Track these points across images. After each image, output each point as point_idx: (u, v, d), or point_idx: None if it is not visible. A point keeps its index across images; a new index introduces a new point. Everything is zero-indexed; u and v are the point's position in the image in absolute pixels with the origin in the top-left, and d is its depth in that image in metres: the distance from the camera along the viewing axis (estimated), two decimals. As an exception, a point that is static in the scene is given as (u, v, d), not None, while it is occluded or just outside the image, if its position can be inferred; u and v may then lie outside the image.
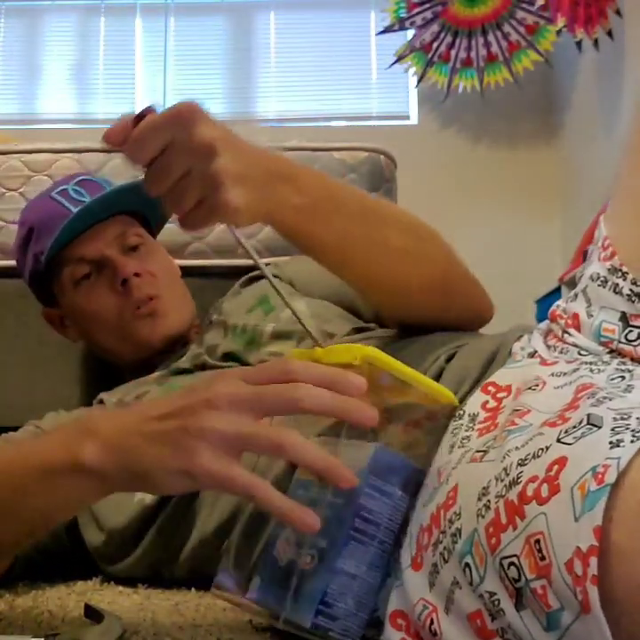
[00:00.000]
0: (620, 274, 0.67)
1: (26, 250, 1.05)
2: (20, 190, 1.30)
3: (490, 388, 0.68)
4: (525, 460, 0.51)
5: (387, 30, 2.85)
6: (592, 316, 0.68)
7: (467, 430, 0.64)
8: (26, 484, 0.57)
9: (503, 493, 0.50)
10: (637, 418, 0.49)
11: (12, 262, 1.12)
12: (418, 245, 0.78)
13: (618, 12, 2.33)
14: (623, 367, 0.62)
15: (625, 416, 0.49)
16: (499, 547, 0.49)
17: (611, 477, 0.43)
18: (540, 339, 0.74)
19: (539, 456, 0.50)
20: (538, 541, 0.46)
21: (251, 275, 1.08)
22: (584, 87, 2.73)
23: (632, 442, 0.45)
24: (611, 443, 0.46)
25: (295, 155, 1.35)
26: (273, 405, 0.53)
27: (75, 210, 0.99)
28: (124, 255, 1.00)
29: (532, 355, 0.72)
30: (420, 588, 0.57)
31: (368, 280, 0.79)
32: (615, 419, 0.49)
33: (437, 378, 0.73)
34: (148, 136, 0.61)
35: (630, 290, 0.65)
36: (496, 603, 0.49)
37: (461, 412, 0.66)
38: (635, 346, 0.65)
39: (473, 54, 2.82)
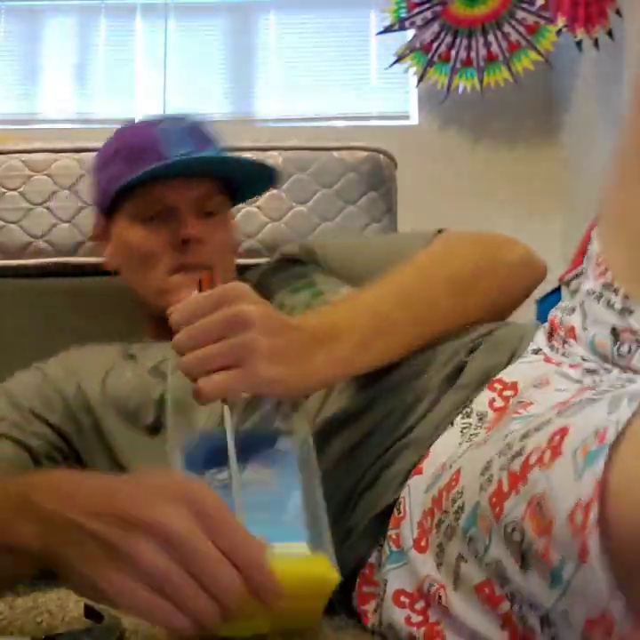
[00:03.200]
0: (612, 289, 0.69)
1: (105, 167, 1.02)
2: (20, 190, 1.30)
3: (496, 384, 0.70)
4: (527, 433, 0.52)
5: (387, 30, 2.85)
6: (586, 329, 0.70)
7: (476, 429, 0.66)
8: None
9: (506, 465, 0.52)
10: (631, 390, 0.52)
11: (13, 262, 1.12)
12: (467, 303, 0.79)
13: (618, 12, 2.33)
14: (624, 375, 0.64)
15: (621, 394, 0.51)
16: (502, 514, 0.50)
17: (610, 437, 0.45)
18: (543, 338, 0.75)
19: (540, 429, 0.52)
20: (539, 503, 0.47)
21: (284, 253, 1.06)
22: (584, 87, 2.73)
23: (629, 404, 0.48)
24: (609, 410, 0.48)
25: (295, 154, 1.35)
26: (203, 563, 0.47)
27: (172, 152, 0.95)
28: (196, 217, 0.96)
29: (537, 352, 0.73)
30: (426, 566, 0.59)
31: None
32: (613, 395, 0.52)
33: (456, 376, 0.73)
34: (191, 320, 0.61)
35: (622, 305, 0.67)
36: (502, 569, 0.50)
37: (469, 410, 0.68)
38: (627, 358, 0.66)
39: (473, 54, 2.81)
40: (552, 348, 0.73)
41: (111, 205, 1.00)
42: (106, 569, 0.47)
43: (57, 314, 1.26)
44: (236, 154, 0.99)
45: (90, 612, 0.62)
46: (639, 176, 0.70)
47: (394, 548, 0.64)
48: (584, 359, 0.69)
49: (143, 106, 3.00)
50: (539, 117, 2.95)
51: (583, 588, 0.45)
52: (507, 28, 2.78)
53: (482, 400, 0.69)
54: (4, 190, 1.29)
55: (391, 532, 0.65)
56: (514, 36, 2.78)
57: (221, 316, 0.60)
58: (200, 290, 0.66)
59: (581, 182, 2.66)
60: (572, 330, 0.72)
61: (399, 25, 2.85)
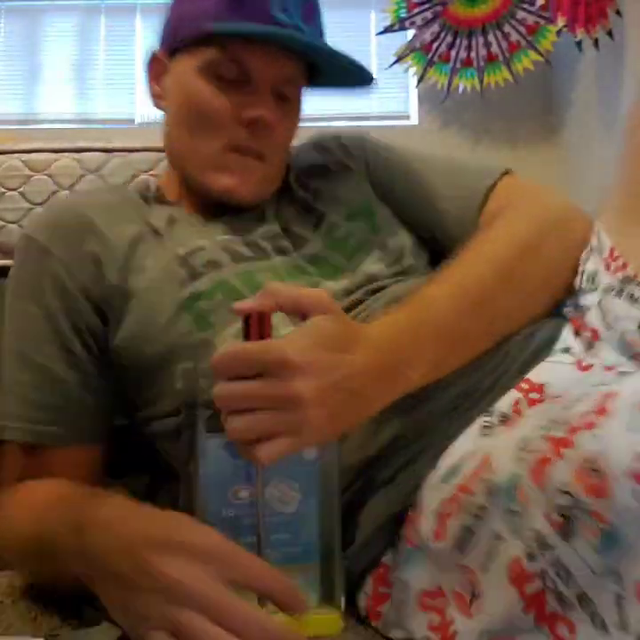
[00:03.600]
0: (636, 283, 0.66)
1: None
2: (20, 190, 1.30)
3: (523, 385, 0.66)
4: (569, 406, 0.50)
5: (387, 30, 2.85)
6: (611, 328, 0.67)
7: (496, 427, 0.64)
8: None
9: (547, 434, 0.49)
10: None
11: (13, 262, 1.11)
12: (534, 301, 0.74)
13: (618, 12, 2.33)
14: None
15: None
16: (546, 481, 0.48)
17: None
18: (571, 336, 0.72)
19: (582, 399, 0.50)
20: (591, 463, 0.45)
21: (341, 138, 0.98)
22: (584, 87, 2.73)
23: None
24: None
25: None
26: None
27: (276, 13, 0.82)
28: (273, 98, 0.86)
29: (566, 351, 0.70)
30: (450, 556, 0.57)
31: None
32: None
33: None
34: (234, 374, 0.57)
35: None
36: (542, 538, 0.48)
37: (492, 410, 0.65)
38: None
39: (473, 54, 2.81)
40: (581, 348, 0.70)
41: (181, 42, 0.87)
42: (147, 630, 0.50)
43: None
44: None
45: (89, 613, 0.62)
46: None
47: (408, 547, 0.62)
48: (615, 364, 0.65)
49: (143, 106, 3.00)
50: (539, 117, 2.95)
51: None
52: (507, 28, 2.78)
53: (507, 401, 0.66)
54: (3, 190, 1.29)
55: (407, 533, 0.63)
56: (514, 36, 2.78)
57: (270, 391, 0.55)
58: (246, 331, 0.58)
59: (581, 182, 2.66)
60: (594, 331, 0.69)
61: (399, 25, 2.85)
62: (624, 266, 0.68)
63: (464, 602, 0.55)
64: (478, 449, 0.61)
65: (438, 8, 2.80)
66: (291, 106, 0.89)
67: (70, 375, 0.83)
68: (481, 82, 2.82)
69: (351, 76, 0.94)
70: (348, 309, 0.76)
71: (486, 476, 0.55)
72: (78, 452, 0.84)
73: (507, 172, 0.91)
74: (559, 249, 0.76)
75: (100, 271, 0.82)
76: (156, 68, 0.93)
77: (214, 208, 0.89)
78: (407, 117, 3.01)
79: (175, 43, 0.89)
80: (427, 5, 2.81)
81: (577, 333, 0.72)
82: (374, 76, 0.94)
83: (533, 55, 2.77)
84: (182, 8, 0.89)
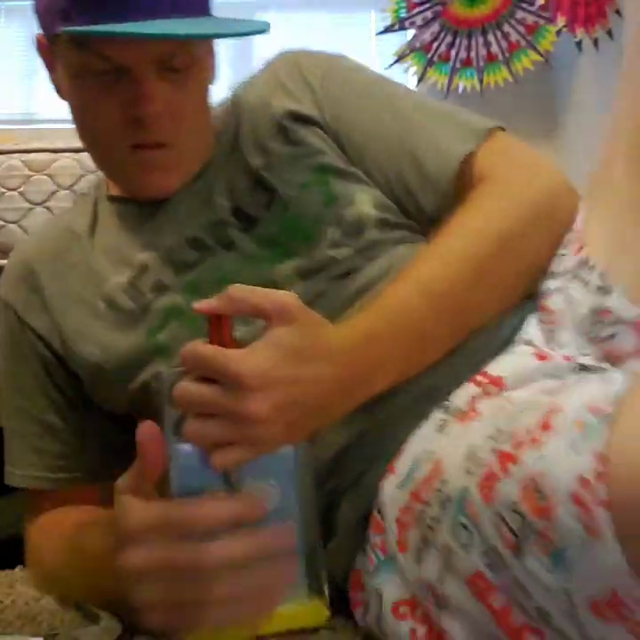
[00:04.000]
0: (588, 266, 0.64)
1: None
2: (20, 190, 1.30)
3: (480, 377, 0.65)
4: (516, 417, 0.50)
5: (387, 30, 2.85)
6: (570, 312, 0.65)
7: (453, 424, 0.62)
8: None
9: (496, 448, 0.49)
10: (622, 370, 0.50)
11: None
12: (507, 292, 0.70)
13: (618, 12, 2.32)
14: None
15: (612, 373, 0.51)
16: (494, 498, 0.48)
17: (608, 409, 0.43)
18: (536, 326, 0.69)
19: (530, 410, 0.50)
20: (536, 483, 0.45)
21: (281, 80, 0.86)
22: (584, 87, 2.73)
23: (622, 381, 0.46)
24: (601, 387, 0.47)
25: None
26: (190, 569, 0.52)
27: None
28: (159, 79, 0.76)
29: (528, 343, 0.68)
30: (411, 565, 0.57)
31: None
32: (603, 376, 0.51)
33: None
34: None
35: (599, 282, 0.62)
36: (497, 555, 0.47)
37: (448, 404, 0.64)
38: (608, 343, 0.60)
39: (473, 54, 2.81)
40: (544, 337, 0.68)
41: (53, 39, 0.80)
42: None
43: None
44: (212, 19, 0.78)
45: (88, 613, 0.62)
46: (625, 151, 0.66)
47: (382, 556, 0.62)
48: (579, 351, 0.63)
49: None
50: (538, 117, 2.95)
51: (590, 567, 0.43)
52: (506, 28, 2.78)
53: (462, 395, 0.64)
54: (3, 190, 1.29)
55: (376, 539, 0.63)
56: (514, 36, 2.78)
57: (224, 403, 0.55)
58: (209, 330, 0.58)
59: (581, 182, 2.66)
60: (557, 314, 0.66)
61: (399, 25, 2.85)
62: (580, 249, 0.66)
63: (433, 613, 0.55)
64: (431, 450, 0.60)
65: (438, 8, 2.80)
66: (186, 74, 0.79)
67: (65, 423, 0.86)
68: (481, 82, 2.82)
69: (245, 23, 0.84)
70: (311, 304, 0.68)
71: (438, 485, 0.55)
72: (87, 490, 0.85)
73: (496, 130, 0.83)
74: (540, 241, 0.72)
75: (57, 332, 0.84)
76: (45, 55, 0.84)
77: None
78: (407, 117, 3.01)
79: (46, 32, 0.81)
80: (427, 5, 2.81)
81: (541, 319, 0.69)
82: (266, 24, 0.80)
83: (533, 55, 2.77)
84: (38, 1, 0.80)
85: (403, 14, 2.84)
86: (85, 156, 1.31)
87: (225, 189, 0.83)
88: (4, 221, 1.28)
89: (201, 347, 0.56)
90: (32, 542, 0.83)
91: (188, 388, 0.55)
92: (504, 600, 0.48)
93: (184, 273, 0.80)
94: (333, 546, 0.67)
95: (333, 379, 0.58)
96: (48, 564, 0.79)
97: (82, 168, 1.30)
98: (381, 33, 2.87)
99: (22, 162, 1.31)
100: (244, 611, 0.53)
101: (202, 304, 0.57)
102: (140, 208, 0.85)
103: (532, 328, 0.69)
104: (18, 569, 0.87)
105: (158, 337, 0.77)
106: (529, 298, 0.72)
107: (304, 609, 0.59)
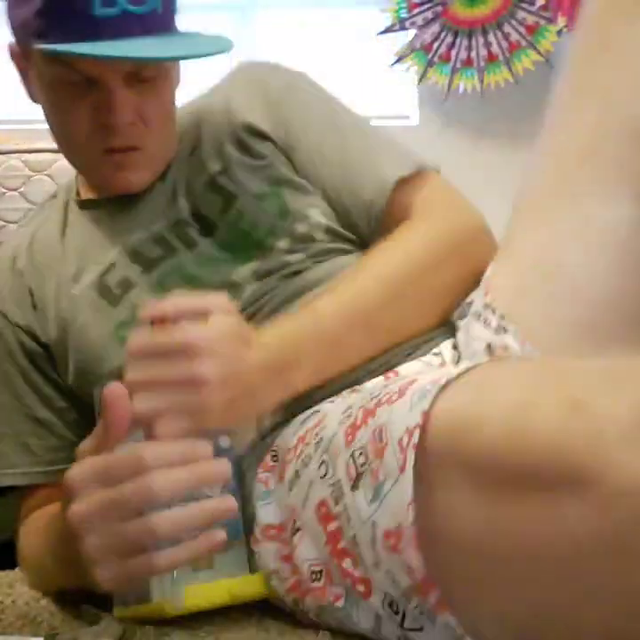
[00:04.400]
0: (490, 309, 0.74)
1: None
2: (20, 190, 1.30)
3: (391, 374, 0.75)
4: (387, 385, 0.63)
5: (387, 30, 2.85)
6: (468, 347, 0.75)
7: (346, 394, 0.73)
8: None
9: (363, 405, 0.61)
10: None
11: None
12: (430, 312, 0.80)
13: (618, 12, 2.33)
14: None
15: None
16: (351, 442, 0.59)
17: (441, 381, 0.55)
18: (449, 346, 0.79)
19: (398, 382, 0.62)
20: (380, 431, 0.56)
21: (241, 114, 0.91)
22: (584, 87, 2.73)
23: (467, 365, 0.58)
24: (451, 369, 0.59)
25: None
26: (134, 505, 0.57)
27: (97, 8, 0.76)
28: (127, 87, 0.81)
29: (437, 354, 0.78)
30: (284, 496, 0.66)
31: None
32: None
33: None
34: (146, 360, 0.64)
35: (497, 322, 0.72)
36: (339, 488, 0.58)
37: (359, 388, 0.73)
38: None
39: (473, 54, 2.81)
40: (453, 358, 0.77)
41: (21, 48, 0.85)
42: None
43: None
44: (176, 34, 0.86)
45: (89, 613, 0.63)
46: (531, 205, 0.78)
47: (263, 488, 0.70)
48: None
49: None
50: (539, 117, 2.94)
51: (393, 500, 0.53)
52: (507, 28, 2.78)
53: (376, 384, 0.73)
54: (4, 190, 1.29)
55: (262, 476, 0.71)
56: (514, 36, 2.78)
57: (176, 372, 0.62)
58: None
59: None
60: (460, 347, 0.77)
61: (399, 25, 2.85)
62: (486, 294, 0.75)
63: (289, 534, 0.65)
64: (326, 409, 0.70)
65: (438, 8, 2.80)
66: (153, 83, 0.84)
67: (59, 417, 0.88)
68: (481, 82, 2.82)
69: (209, 43, 0.92)
70: (258, 295, 0.82)
71: (318, 431, 0.65)
72: None
73: (431, 170, 0.90)
74: (456, 273, 0.81)
75: (40, 327, 0.88)
76: (18, 62, 0.90)
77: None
78: (407, 117, 3.01)
79: (20, 47, 0.86)
80: (427, 5, 2.81)
81: (454, 347, 0.79)
82: (230, 45, 0.92)
83: (533, 55, 2.77)
84: (12, 13, 0.85)
85: (403, 14, 2.84)
86: (85, 156, 1.31)
87: (185, 191, 0.89)
88: (4, 221, 1.28)
89: (150, 335, 0.64)
90: (20, 543, 0.85)
91: (139, 369, 0.63)
92: (335, 526, 0.58)
93: (149, 270, 0.85)
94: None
95: (259, 363, 0.67)
96: (28, 559, 0.82)
97: (82, 168, 1.30)
98: (381, 33, 2.87)
99: (22, 162, 1.32)
100: (187, 554, 0.59)
101: (147, 312, 0.65)
102: (109, 211, 0.91)
103: (444, 346, 0.79)
104: (18, 569, 0.88)
105: (126, 332, 0.79)
106: (444, 325, 0.81)
107: (244, 583, 0.68)
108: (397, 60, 2.86)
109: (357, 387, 0.74)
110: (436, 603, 0.52)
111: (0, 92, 3.04)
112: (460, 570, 0.52)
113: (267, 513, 0.69)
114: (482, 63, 2.82)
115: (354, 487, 0.57)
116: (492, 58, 2.81)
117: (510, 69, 2.79)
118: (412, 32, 2.86)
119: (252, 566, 0.71)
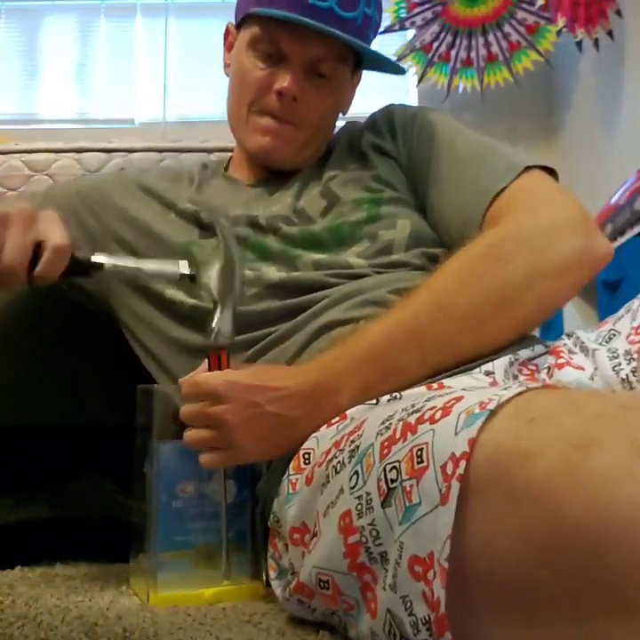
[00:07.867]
0: (628, 358, 0.72)
1: None
2: (20, 190, 1.30)
3: (434, 385, 0.73)
4: (431, 398, 0.59)
5: (387, 30, 2.85)
6: (592, 379, 0.73)
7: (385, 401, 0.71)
8: None
9: (404, 418, 0.58)
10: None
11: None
12: (490, 333, 0.78)
13: (618, 13, 2.33)
14: None
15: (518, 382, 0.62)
16: (387, 456, 0.57)
17: (491, 406, 0.51)
18: (505, 364, 0.76)
19: (442, 396, 0.59)
20: (420, 450, 0.53)
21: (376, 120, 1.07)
22: (584, 87, 2.73)
23: (517, 387, 0.54)
24: (500, 389, 0.55)
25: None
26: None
27: (315, 1, 0.91)
28: (305, 75, 0.96)
29: (488, 374, 0.75)
30: (310, 499, 0.66)
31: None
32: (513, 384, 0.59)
33: None
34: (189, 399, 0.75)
35: (626, 374, 0.71)
36: (368, 501, 0.57)
37: (398, 396, 0.71)
38: None
39: (473, 54, 2.82)
40: (513, 377, 0.75)
41: (242, 21, 1.01)
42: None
43: (57, 312, 1.26)
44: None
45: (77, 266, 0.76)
46: None
47: (291, 490, 0.71)
48: None
49: (143, 106, 3.00)
50: (539, 117, 2.95)
51: (427, 528, 0.50)
52: (507, 28, 2.78)
53: (416, 392, 0.71)
54: (3, 190, 1.29)
55: (293, 477, 0.71)
56: (514, 36, 2.78)
57: (204, 413, 0.72)
58: (210, 367, 0.75)
59: (581, 182, 2.67)
60: (560, 366, 0.74)
61: (399, 25, 2.85)
62: (636, 342, 0.73)
63: (307, 538, 0.66)
64: (364, 414, 0.69)
65: (438, 8, 2.81)
66: (327, 82, 0.97)
67: None
68: (481, 82, 2.82)
69: (385, 62, 1.05)
70: (312, 286, 0.87)
71: (354, 439, 0.63)
72: None
73: (529, 168, 0.89)
74: (522, 268, 0.78)
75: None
76: (228, 39, 1.06)
77: (263, 176, 1.02)
78: (407, 117, 3.02)
79: (237, 19, 1.03)
80: (427, 5, 2.81)
81: (549, 357, 0.77)
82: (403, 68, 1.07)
83: (533, 55, 2.78)
84: None
85: (403, 14, 2.84)
86: (85, 156, 1.32)
87: (297, 192, 0.98)
88: (4, 221, 1.28)
89: (193, 377, 0.75)
90: None
91: (187, 406, 0.74)
92: (356, 539, 0.57)
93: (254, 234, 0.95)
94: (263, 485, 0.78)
95: (295, 390, 0.72)
96: None
97: (82, 168, 1.30)
98: (381, 33, 2.87)
99: (22, 162, 1.31)
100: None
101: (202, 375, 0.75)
102: (243, 187, 1.02)
103: (498, 365, 0.76)
104: (18, 569, 0.88)
105: (195, 248, 0.92)
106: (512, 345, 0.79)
107: (245, 589, 0.75)
108: (397, 60, 2.87)
109: (397, 394, 0.71)
110: None
111: (0, 92, 3.06)
112: (486, 617, 0.49)
113: (290, 516, 0.69)
114: (482, 63, 2.82)
115: (385, 503, 0.55)
116: (491, 58, 2.81)
117: (510, 69, 2.79)
118: (411, 32, 2.86)
119: (256, 572, 0.76)
